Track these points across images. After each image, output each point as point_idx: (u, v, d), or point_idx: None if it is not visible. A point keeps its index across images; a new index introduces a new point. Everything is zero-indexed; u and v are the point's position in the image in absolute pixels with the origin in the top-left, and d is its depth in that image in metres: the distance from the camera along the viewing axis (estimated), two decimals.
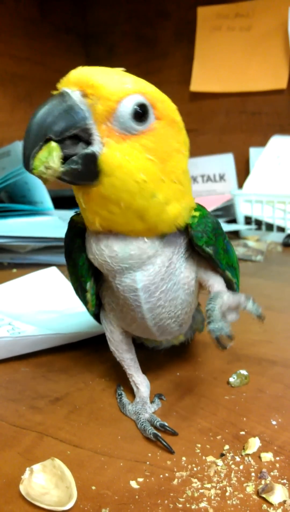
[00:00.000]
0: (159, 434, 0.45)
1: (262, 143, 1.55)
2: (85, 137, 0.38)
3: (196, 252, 0.47)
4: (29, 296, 0.84)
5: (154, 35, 1.76)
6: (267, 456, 0.42)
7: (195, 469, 0.41)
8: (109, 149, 0.37)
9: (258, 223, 1.40)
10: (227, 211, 1.50)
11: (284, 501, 0.37)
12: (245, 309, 0.46)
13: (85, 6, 1.87)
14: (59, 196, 1.37)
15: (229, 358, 0.61)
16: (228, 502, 0.37)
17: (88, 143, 0.38)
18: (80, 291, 0.50)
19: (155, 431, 0.45)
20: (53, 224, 1.23)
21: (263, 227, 1.39)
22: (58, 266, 0.95)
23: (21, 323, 0.67)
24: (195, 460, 0.42)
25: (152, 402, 0.51)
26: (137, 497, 0.38)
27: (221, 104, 1.68)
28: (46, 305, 0.80)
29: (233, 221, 1.47)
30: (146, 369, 0.54)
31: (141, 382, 0.52)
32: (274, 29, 1.55)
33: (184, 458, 0.42)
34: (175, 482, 0.39)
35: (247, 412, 0.49)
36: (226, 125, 1.70)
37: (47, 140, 0.36)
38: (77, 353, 0.64)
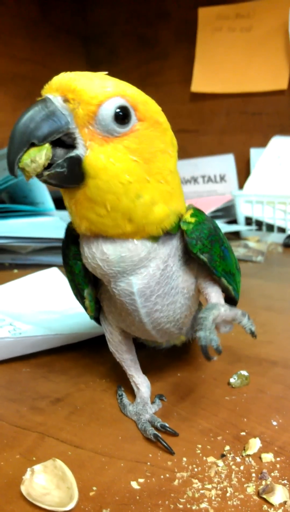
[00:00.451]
0: (160, 435, 0.45)
1: (263, 143, 1.55)
2: (69, 142, 0.39)
3: (193, 257, 0.47)
4: (30, 296, 0.84)
5: (154, 35, 1.76)
6: (267, 457, 0.42)
7: (195, 469, 0.41)
8: (92, 151, 0.38)
9: (259, 223, 1.40)
10: (228, 212, 1.50)
11: (285, 502, 0.37)
12: (240, 324, 0.47)
13: (85, 7, 1.87)
14: (61, 197, 1.36)
15: (230, 359, 0.61)
16: (229, 502, 0.37)
17: (73, 147, 0.39)
18: (79, 297, 0.51)
19: (155, 432, 0.45)
20: (54, 224, 1.24)
21: (264, 227, 1.39)
22: (59, 266, 0.95)
23: (22, 324, 0.67)
24: (195, 461, 0.42)
25: (152, 402, 0.51)
26: (138, 497, 0.38)
27: (222, 105, 1.68)
28: (47, 305, 0.81)
29: (234, 221, 1.47)
30: (146, 369, 0.54)
31: (141, 382, 0.52)
32: (275, 30, 1.55)
33: (184, 459, 0.42)
34: (176, 482, 0.40)
35: (248, 412, 0.49)
36: (226, 125, 1.70)
37: (31, 145, 0.37)
38: (78, 354, 0.64)
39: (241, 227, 1.41)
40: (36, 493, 0.38)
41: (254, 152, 1.62)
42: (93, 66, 1.86)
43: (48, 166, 0.38)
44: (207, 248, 0.45)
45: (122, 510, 0.37)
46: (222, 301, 0.48)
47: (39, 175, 0.38)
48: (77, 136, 0.38)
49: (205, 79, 1.69)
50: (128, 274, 0.43)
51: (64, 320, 0.72)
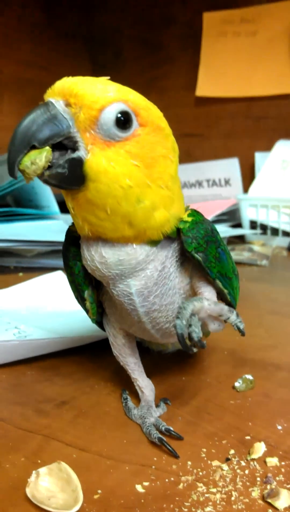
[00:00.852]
0: (164, 438, 0.45)
1: (268, 147, 1.55)
2: (70, 145, 0.39)
3: (190, 259, 0.47)
4: (35, 300, 0.84)
5: (160, 40, 1.77)
6: (272, 461, 0.42)
7: (200, 473, 0.41)
8: (94, 155, 0.39)
9: (264, 227, 1.40)
10: (233, 216, 1.50)
11: None
12: (228, 320, 0.46)
13: (91, 12, 1.88)
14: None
15: (235, 363, 0.61)
16: (234, 506, 0.37)
17: (74, 150, 0.39)
18: (80, 299, 0.51)
19: (160, 436, 0.45)
20: (59, 228, 1.24)
21: (269, 231, 1.38)
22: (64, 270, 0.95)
23: (27, 327, 0.67)
24: (200, 465, 0.42)
25: (157, 406, 0.51)
26: (142, 501, 0.38)
27: (227, 109, 1.68)
28: (52, 309, 0.81)
29: (239, 225, 1.47)
30: (151, 373, 0.54)
31: (146, 386, 0.52)
32: (280, 34, 1.55)
33: (189, 463, 0.42)
34: (181, 486, 0.40)
35: (253, 416, 0.49)
36: (231, 130, 1.70)
37: (32, 148, 0.37)
38: (83, 357, 0.64)
39: (245, 231, 1.41)
40: (41, 496, 0.38)
41: (259, 156, 1.62)
42: (98, 71, 1.86)
43: (49, 167, 0.38)
44: (202, 248, 0.45)
45: None
46: (214, 298, 0.47)
47: (39, 175, 0.39)
48: (78, 140, 0.39)
49: (210, 83, 1.70)
50: (126, 276, 0.43)
51: (69, 323, 0.73)
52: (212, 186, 1.73)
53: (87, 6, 1.87)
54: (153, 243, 0.43)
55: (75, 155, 0.39)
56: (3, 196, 1.29)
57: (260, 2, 1.56)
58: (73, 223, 0.47)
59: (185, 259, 0.47)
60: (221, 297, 0.49)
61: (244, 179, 1.67)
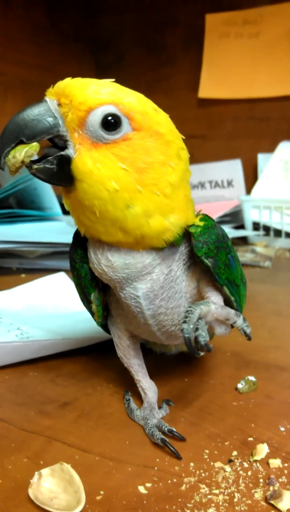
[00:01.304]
0: (167, 439, 0.45)
1: (270, 149, 1.55)
2: (61, 144, 0.40)
3: (198, 264, 0.46)
4: (37, 301, 0.84)
5: (162, 42, 1.77)
6: (275, 463, 0.42)
7: (203, 474, 0.41)
8: (80, 155, 0.39)
9: (266, 229, 1.40)
10: (235, 217, 1.50)
11: None
12: (234, 324, 0.46)
13: (94, 14, 1.88)
14: None
15: (237, 364, 0.61)
16: (236, 508, 0.37)
17: (64, 149, 0.40)
18: (86, 302, 0.51)
19: (163, 437, 0.45)
20: (62, 229, 1.24)
21: (271, 233, 1.38)
22: (67, 271, 0.95)
23: (29, 328, 0.67)
24: (203, 466, 0.42)
25: (160, 407, 0.51)
26: (145, 502, 0.38)
27: (229, 110, 1.68)
28: (54, 310, 0.81)
29: (241, 227, 1.47)
30: (154, 374, 0.54)
31: (148, 387, 0.52)
32: (282, 36, 1.55)
33: (192, 464, 0.42)
34: (183, 487, 0.39)
35: (255, 418, 0.49)
36: (234, 131, 1.70)
37: (21, 142, 0.39)
38: (85, 358, 0.64)
39: (248, 232, 1.40)
40: (43, 497, 0.38)
41: (261, 157, 1.62)
42: (101, 72, 1.87)
43: (38, 162, 0.40)
44: (212, 253, 0.45)
45: None
46: (220, 302, 0.47)
47: (28, 167, 0.39)
48: (68, 139, 0.40)
49: (213, 84, 1.70)
50: (133, 280, 0.43)
51: (71, 325, 0.73)
52: (215, 187, 1.73)
53: (90, 8, 1.87)
54: (159, 248, 0.43)
55: (63, 152, 0.40)
56: (6, 198, 1.29)
57: (262, 3, 1.56)
58: None
59: (193, 263, 0.47)
60: (227, 304, 0.49)
61: (246, 181, 1.67)
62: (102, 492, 0.39)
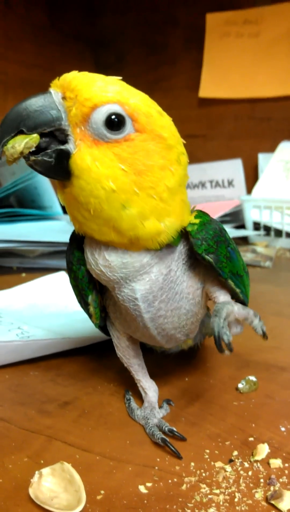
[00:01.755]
0: (167, 439, 0.45)
1: (271, 148, 1.55)
2: (61, 137, 0.39)
3: (199, 261, 0.46)
4: (38, 300, 0.84)
5: (163, 41, 1.77)
6: (276, 463, 0.42)
7: (203, 474, 0.41)
8: (80, 151, 0.39)
9: (267, 229, 1.40)
10: (236, 217, 1.50)
11: None
12: (251, 324, 0.46)
13: (94, 13, 1.88)
14: None
15: (238, 364, 0.61)
16: (237, 508, 0.37)
17: (64, 143, 0.39)
18: (83, 304, 0.50)
19: (163, 436, 0.45)
20: (62, 228, 1.24)
21: (272, 233, 1.38)
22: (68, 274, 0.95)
23: (30, 327, 0.67)
24: (203, 466, 0.42)
25: (160, 407, 0.51)
26: (145, 501, 0.38)
27: (230, 110, 1.68)
28: (55, 309, 0.81)
29: (242, 226, 1.47)
30: (154, 374, 0.54)
31: (149, 387, 0.52)
32: (283, 35, 1.55)
33: (192, 464, 0.42)
34: (184, 487, 0.39)
35: (256, 418, 0.49)
36: (234, 130, 1.70)
37: (20, 132, 0.38)
38: (86, 358, 0.64)
39: (249, 232, 1.40)
40: (44, 496, 0.38)
41: (262, 157, 1.62)
42: (101, 72, 1.86)
43: (35, 153, 0.39)
44: (212, 249, 0.44)
45: None
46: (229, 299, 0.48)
47: (25, 158, 0.39)
48: (69, 134, 0.39)
49: (213, 84, 1.70)
50: (131, 280, 0.43)
51: (72, 324, 0.73)
52: (215, 187, 1.73)
53: (91, 8, 1.87)
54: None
55: (63, 147, 0.39)
56: (6, 197, 1.29)
57: (263, 3, 1.56)
58: None
59: (195, 262, 0.46)
60: (233, 296, 0.49)
61: (247, 180, 1.67)
62: (102, 492, 0.39)
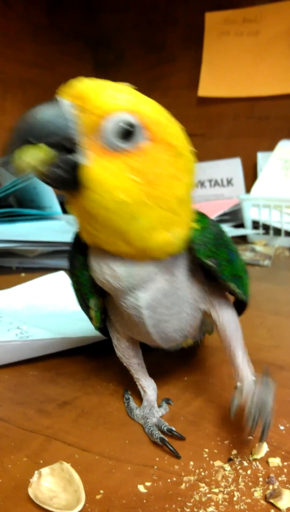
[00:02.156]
0: (166, 438, 0.45)
1: (270, 147, 1.55)
2: (69, 147, 0.37)
3: (200, 265, 0.45)
4: (37, 300, 0.84)
5: (162, 40, 1.77)
6: (275, 461, 0.42)
7: (202, 473, 0.41)
8: (90, 161, 0.37)
9: (266, 227, 1.40)
10: (235, 216, 1.50)
11: None
12: (234, 396, 0.47)
13: (93, 12, 1.88)
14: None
15: None
16: (236, 507, 0.37)
17: (73, 152, 0.38)
18: (84, 307, 0.50)
19: (162, 436, 0.45)
20: (62, 228, 1.24)
21: (271, 231, 1.38)
22: (66, 270, 0.95)
23: (29, 327, 0.67)
24: (202, 465, 0.42)
25: (159, 406, 0.51)
26: (144, 501, 0.38)
27: (229, 109, 1.68)
28: (54, 309, 0.81)
29: (241, 225, 1.47)
30: (153, 373, 0.54)
31: (148, 385, 0.52)
32: (282, 34, 1.55)
33: (191, 463, 0.42)
34: (183, 486, 0.40)
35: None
36: (234, 129, 1.70)
37: (28, 143, 0.36)
38: (85, 357, 0.64)
39: (248, 231, 1.40)
40: (43, 496, 0.38)
41: (261, 156, 1.62)
42: (101, 71, 1.87)
43: (44, 165, 0.37)
44: (213, 253, 0.44)
45: None
46: (231, 312, 0.49)
47: (34, 170, 0.37)
48: (78, 143, 0.37)
49: (212, 83, 1.69)
50: (136, 288, 0.42)
51: (71, 324, 0.73)
52: (214, 186, 1.73)
53: (90, 7, 1.87)
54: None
55: (72, 157, 0.37)
56: (6, 197, 1.29)
57: (262, 2, 1.56)
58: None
59: (195, 265, 0.46)
60: (233, 295, 0.49)
61: (246, 179, 1.67)
62: (101, 491, 0.39)
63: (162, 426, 0.47)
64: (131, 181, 0.38)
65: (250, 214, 1.41)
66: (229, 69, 1.66)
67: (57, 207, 1.34)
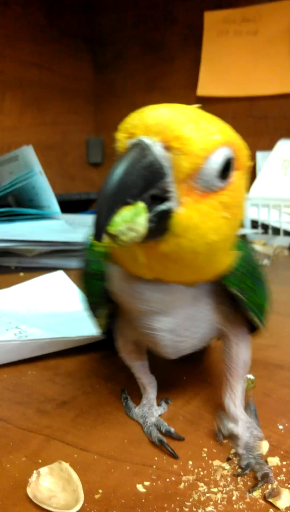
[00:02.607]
0: (165, 439, 0.45)
1: (269, 147, 1.55)
2: (160, 194, 0.32)
3: (223, 287, 0.41)
4: (36, 299, 0.84)
5: (161, 39, 1.77)
6: (273, 461, 0.42)
7: (201, 473, 0.41)
8: (186, 209, 0.32)
9: (265, 227, 1.40)
10: None
11: None
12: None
13: (92, 12, 1.88)
14: (66, 200, 1.37)
15: None
16: (235, 506, 0.37)
17: (163, 200, 0.32)
18: (91, 314, 0.48)
19: (160, 436, 0.45)
20: (60, 228, 1.24)
21: (270, 231, 1.38)
22: (65, 270, 0.95)
23: (28, 327, 0.67)
24: (201, 464, 0.42)
25: (158, 405, 0.51)
26: (143, 500, 0.38)
27: (228, 108, 1.68)
28: (53, 308, 0.81)
29: None
30: (152, 372, 0.54)
31: (149, 383, 0.52)
32: (281, 33, 1.55)
33: (190, 462, 0.42)
34: (182, 486, 0.39)
35: None
36: (232, 129, 1.70)
37: (124, 204, 0.30)
38: (84, 357, 0.64)
39: (247, 230, 1.41)
40: (42, 496, 0.38)
41: (260, 156, 1.62)
42: (99, 70, 1.86)
43: None
44: (240, 282, 0.40)
45: None
46: (245, 344, 0.47)
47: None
48: (172, 190, 0.32)
49: (211, 82, 1.70)
50: (160, 313, 0.40)
51: (70, 323, 0.73)
52: None
53: (88, 6, 1.87)
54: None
55: (164, 206, 0.32)
56: (4, 196, 1.29)
57: (261, 1, 1.56)
58: (94, 234, 0.31)
59: (218, 287, 0.41)
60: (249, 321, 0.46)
61: None
62: (100, 491, 0.39)
63: (161, 427, 0.46)
64: (223, 219, 0.34)
65: (249, 213, 1.41)
66: (228, 68, 1.66)
67: (55, 207, 1.34)
